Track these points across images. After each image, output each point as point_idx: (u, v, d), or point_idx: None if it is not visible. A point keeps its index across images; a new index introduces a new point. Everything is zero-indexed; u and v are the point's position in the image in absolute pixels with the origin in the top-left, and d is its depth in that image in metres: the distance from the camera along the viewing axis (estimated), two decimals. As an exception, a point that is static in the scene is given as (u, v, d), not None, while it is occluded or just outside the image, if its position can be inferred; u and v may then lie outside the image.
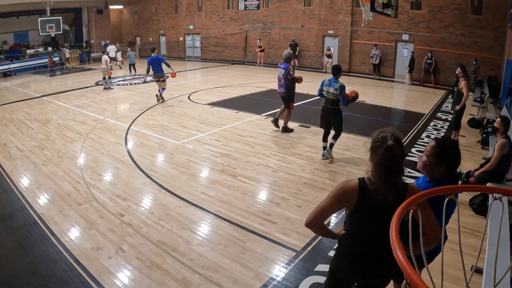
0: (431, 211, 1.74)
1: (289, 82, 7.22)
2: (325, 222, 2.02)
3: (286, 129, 7.69)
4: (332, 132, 6.11)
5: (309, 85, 13.98)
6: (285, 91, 7.30)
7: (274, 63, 20.02)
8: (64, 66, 21.29)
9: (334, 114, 5.89)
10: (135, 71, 16.82)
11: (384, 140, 1.75)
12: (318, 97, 6.49)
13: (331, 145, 6.06)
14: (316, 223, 1.94)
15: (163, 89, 10.64)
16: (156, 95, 10.72)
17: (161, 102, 10.64)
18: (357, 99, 6.08)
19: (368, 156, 1.83)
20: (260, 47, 19.80)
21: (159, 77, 10.39)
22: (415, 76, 14.86)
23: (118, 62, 19.71)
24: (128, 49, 18.08)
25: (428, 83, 14.54)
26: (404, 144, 7.06)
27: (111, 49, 19.66)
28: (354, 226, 1.93)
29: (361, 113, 8.94)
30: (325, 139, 6.12)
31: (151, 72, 10.32)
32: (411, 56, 14.73)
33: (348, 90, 5.89)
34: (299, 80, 7.28)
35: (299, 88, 12.98)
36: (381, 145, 1.75)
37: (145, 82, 10.41)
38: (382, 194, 1.77)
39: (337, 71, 5.81)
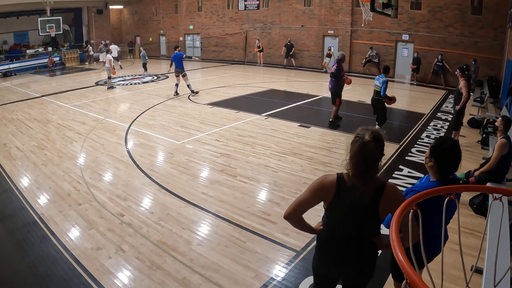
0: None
1: (333, 78, 7.89)
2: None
3: (333, 123, 8.12)
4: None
5: (309, 85, 14.00)
6: (332, 86, 7.99)
7: (274, 63, 20.06)
8: (86, 62, 22.35)
9: (378, 103, 7.30)
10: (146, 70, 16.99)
11: (363, 136, 1.79)
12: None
13: None
14: (294, 216, 1.99)
15: (188, 85, 11.45)
16: (176, 91, 11.54)
17: (195, 94, 11.55)
18: (394, 102, 7.35)
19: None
20: (259, 47, 19.76)
21: (179, 73, 11.23)
22: (418, 76, 14.83)
23: (119, 62, 19.77)
24: (141, 48, 18.42)
25: (437, 84, 14.44)
26: (404, 144, 7.08)
27: (114, 48, 19.78)
28: (330, 221, 1.97)
29: (361, 113, 8.95)
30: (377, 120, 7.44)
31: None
32: (416, 57, 14.59)
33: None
34: (347, 80, 8.02)
35: (298, 88, 13.04)
36: (358, 140, 1.80)
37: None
38: (358, 190, 1.81)
39: (386, 70, 7.24)
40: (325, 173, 1.94)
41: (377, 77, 7.34)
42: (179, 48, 11.66)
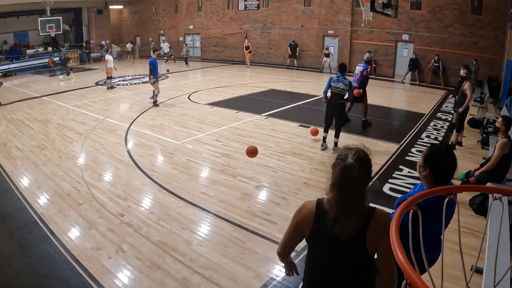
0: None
1: (363, 79, 8.10)
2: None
3: (366, 122, 8.37)
4: (333, 132, 6.49)
5: (309, 85, 13.99)
6: (358, 85, 8.01)
7: (274, 63, 20.05)
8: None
9: (339, 108, 6.30)
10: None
11: (345, 158, 1.53)
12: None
13: (336, 143, 6.44)
14: (286, 254, 1.82)
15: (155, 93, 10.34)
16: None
17: (155, 105, 10.27)
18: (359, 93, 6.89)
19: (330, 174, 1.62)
20: (247, 47, 19.24)
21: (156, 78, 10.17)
22: (417, 77, 14.82)
23: (167, 57, 21.52)
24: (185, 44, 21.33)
25: (436, 84, 14.43)
26: (404, 144, 7.05)
27: (165, 46, 22.17)
28: (310, 257, 1.69)
29: (361, 113, 8.94)
30: (326, 131, 6.56)
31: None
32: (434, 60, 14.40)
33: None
34: (355, 91, 7.27)
35: (298, 88, 13.04)
36: (339, 163, 1.54)
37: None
38: (341, 221, 1.53)
39: (343, 68, 6.38)
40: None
41: (335, 78, 6.24)
42: (158, 52, 10.62)
